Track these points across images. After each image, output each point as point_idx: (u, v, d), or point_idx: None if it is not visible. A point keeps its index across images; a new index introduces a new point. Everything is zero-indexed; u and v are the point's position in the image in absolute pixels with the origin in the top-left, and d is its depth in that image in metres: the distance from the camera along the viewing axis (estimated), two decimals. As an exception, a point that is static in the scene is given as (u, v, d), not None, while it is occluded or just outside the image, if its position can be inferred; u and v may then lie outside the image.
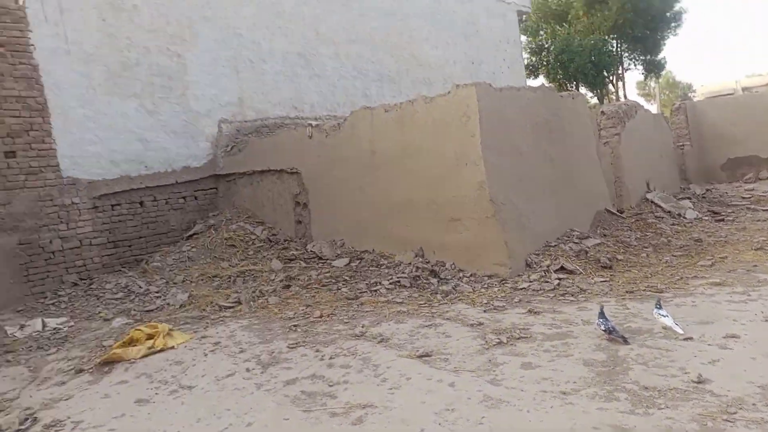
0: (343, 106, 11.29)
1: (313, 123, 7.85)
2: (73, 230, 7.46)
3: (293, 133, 8.14)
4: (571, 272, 5.69)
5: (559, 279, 5.48)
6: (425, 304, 5.19)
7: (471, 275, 5.90)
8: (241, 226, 8.39)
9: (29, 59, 7.09)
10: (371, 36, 11.97)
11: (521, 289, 5.33)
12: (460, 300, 5.20)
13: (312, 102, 10.72)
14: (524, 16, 17.92)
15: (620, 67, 23.67)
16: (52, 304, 6.89)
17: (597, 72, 21.38)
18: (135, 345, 4.70)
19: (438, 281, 5.87)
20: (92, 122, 7.67)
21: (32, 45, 7.12)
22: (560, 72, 21.21)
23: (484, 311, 4.78)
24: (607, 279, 5.49)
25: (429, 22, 13.51)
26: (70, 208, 7.43)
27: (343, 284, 6.26)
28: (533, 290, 5.27)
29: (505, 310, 4.77)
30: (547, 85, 23.11)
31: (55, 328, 5.83)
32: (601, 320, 3.90)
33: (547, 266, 5.77)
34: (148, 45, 8.28)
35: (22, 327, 5.97)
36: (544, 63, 23.10)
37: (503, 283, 5.54)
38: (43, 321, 6.07)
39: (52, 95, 7.28)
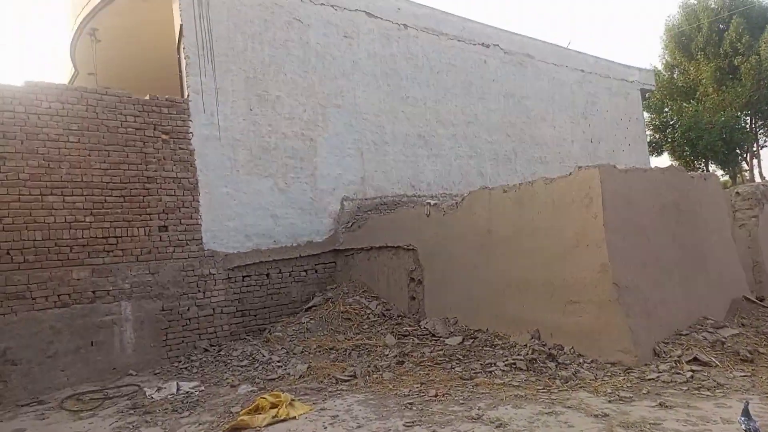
0: (458, 185, 11.58)
1: (431, 202, 8.12)
2: (208, 299, 8.15)
3: (411, 211, 8.45)
4: (705, 364, 5.25)
5: (693, 371, 5.07)
6: (543, 389, 5.01)
7: (592, 361, 5.63)
8: (357, 300, 8.68)
9: (187, 144, 8.12)
10: (488, 117, 12.32)
11: (650, 379, 4.99)
12: (581, 387, 4.97)
13: (429, 180, 11.10)
14: (648, 93, 17.53)
15: (755, 145, 22.09)
16: (185, 368, 7.45)
17: (729, 150, 20.11)
18: (260, 413, 4.96)
19: (556, 365, 5.67)
20: (233, 200, 8.50)
21: (191, 132, 8.17)
22: (687, 149, 20.16)
23: (609, 401, 4.53)
24: (749, 374, 4.99)
25: (547, 103, 13.67)
26: (207, 278, 8.15)
27: (456, 363, 6.22)
28: (663, 382, 4.92)
29: (632, 401, 4.49)
30: (672, 162, 22.09)
31: (187, 392, 6.28)
32: (743, 419, 3.57)
33: (678, 356, 5.37)
34: (286, 131, 9.15)
35: (158, 389, 6.49)
36: (669, 140, 22.13)
37: (628, 372, 5.23)
38: (177, 384, 6.56)
39: (202, 176, 8.22)
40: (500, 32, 12.90)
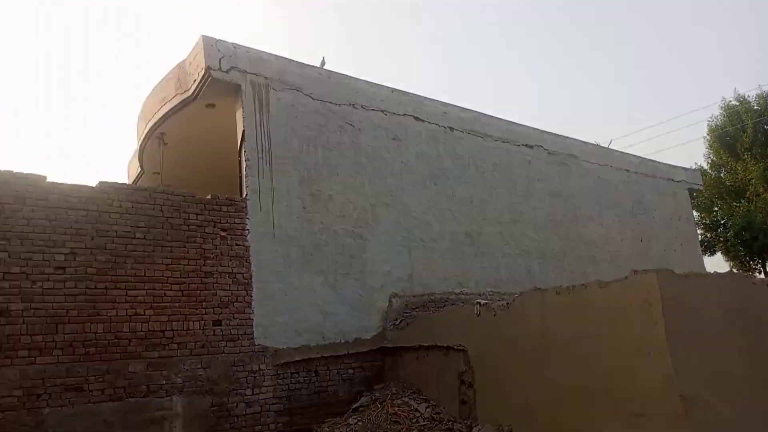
0: (506, 283, 11.49)
1: (481, 301, 8.07)
2: (256, 395, 8.10)
3: (460, 310, 8.39)
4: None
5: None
6: None
7: (661, 481, 5.27)
8: (405, 402, 8.46)
9: (243, 241, 8.44)
10: (534, 216, 12.41)
11: (727, 506, 4.62)
12: None
13: (476, 278, 11.07)
14: (695, 192, 17.41)
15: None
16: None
17: (786, 251, 19.52)
18: None
19: (622, 484, 5.32)
20: (284, 295, 8.65)
21: (247, 230, 8.51)
22: (742, 249, 19.61)
23: None
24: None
25: (594, 201, 13.73)
26: (257, 374, 8.15)
27: (513, 476, 5.91)
28: None
29: None
30: (727, 262, 21.36)
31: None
32: None
33: (758, 480, 4.99)
34: (337, 228, 9.42)
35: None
36: (721, 239, 21.63)
37: (703, 496, 4.86)
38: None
39: (255, 271, 8.45)
40: (543, 134, 13.27)
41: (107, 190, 7.51)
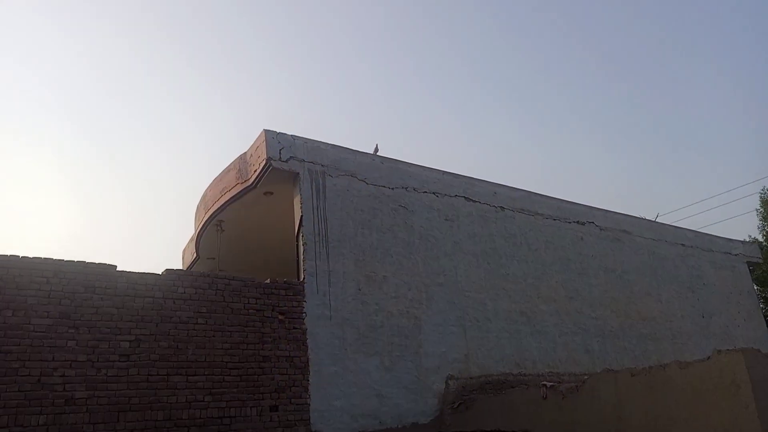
0: (564, 363, 11.06)
1: (547, 383, 7.76)
2: (314, 485, 7.80)
3: (524, 393, 8.06)
4: None
5: None
6: None
7: None
8: (470, 493, 8.00)
9: (300, 324, 8.45)
10: (590, 292, 12.10)
11: None
12: None
13: (533, 358, 10.70)
14: (753, 266, 16.74)
15: None
16: None
17: None
18: None
19: None
20: (340, 378, 8.50)
21: (304, 312, 8.54)
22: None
23: None
24: None
25: (650, 276, 13.35)
26: (314, 462, 7.89)
27: None
28: None
29: None
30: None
31: None
32: None
33: None
34: (392, 309, 9.36)
35: None
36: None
37: None
38: None
39: (312, 354, 8.38)
40: (594, 210, 13.17)
41: (172, 277, 7.73)
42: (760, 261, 16.63)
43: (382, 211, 10.00)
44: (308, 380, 8.24)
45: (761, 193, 21.59)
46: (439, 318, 9.85)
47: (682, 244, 14.55)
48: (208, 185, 11.01)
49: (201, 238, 11.81)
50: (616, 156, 54.38)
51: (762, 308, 20.99)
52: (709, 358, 5.64)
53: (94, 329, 6.96)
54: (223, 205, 10.40)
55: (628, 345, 12.18)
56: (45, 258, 6.97)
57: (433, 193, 10.77)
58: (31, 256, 6.90)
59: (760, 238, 22.01)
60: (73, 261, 7.13)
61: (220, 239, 11.29)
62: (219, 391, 7.51)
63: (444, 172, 11.12)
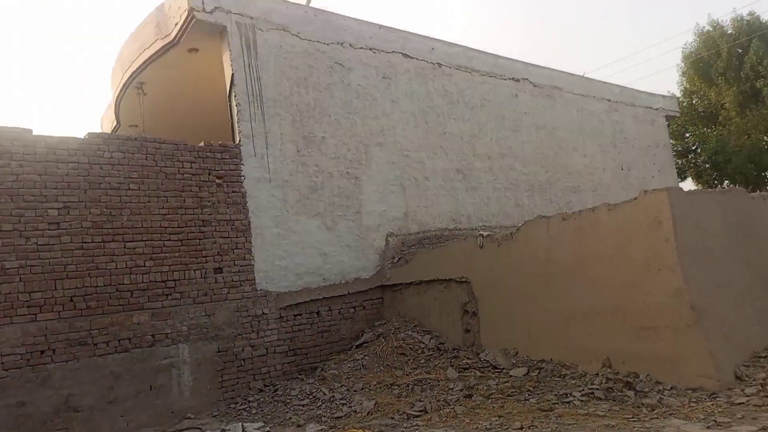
0: (497, 217, 11.60)
1: (484, 233, 8.14)
2: (261, 339, 8.13)
3: (462, 244, 8.46)
4: (793, 388, 5.12)
5: (782, 394, 4.95)
6: (633, 417, 4.91)
7: (671, 388, 5.52)
8: (409, 335, 8.62)
9: (239, 188, 8.27)
10: (522, 149, 12.43)
11: (739, 404, 4.88)
12: (671, 414, 4.86)
13: (468, 214, 11.14)
14: (671, 120, 17.62)
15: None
16: (243, 409, 7.39)
17: (758, 171, 20.06)
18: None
19: (635, 394, 5.55)
20: (283, 239, 8.58)
21: (243, 176, 8.33)
22: (714, 173, 20.09)
23: (707, 427, 4.43)
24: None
25: (577, 133, 13.79)
26: (260, 318, 8.16)
27: (528, 395, 6.12)
28: (755, 405, 4.80)
29: (731, 426, 4.38)
30: (697, 186, 21.84)
31: (254, 433, 6.22)
32: None
33: (764, 379, 5.25)
34: (332, 170, 9.29)
35: (222, 431, 6.45)
36: (693, 165, 22.14)
37: (714, 398, 5.12)
38: (242, 426, 6.49)
39: (253, 217, 8.33)
40: (529, 66, 13.13)
41: (96, 141, 7.21)
42: (678, 115, 17.47)
43: (318, 68, 9.53)
44: (251, 242, 8.26)
45: (683, 48, 22.17)
46: (378, 178, 9.90)
47: (608, 100, 14.97)
48: (124, 42, 10.01)
49: (120, 103, 10.96)
50: (542, 10, 53.61)
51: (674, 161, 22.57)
52: (635, 198, 6.01)
53: (17, 197, 6.53)
54: (142, 64, 9.56)
55: (554, 198, 12.86)
56: (-55, 122, 6.27)
57: (370, 49, 10.31)
58: (-73, 120, 6.17)
59: (678, 94, 22.94)
60: (-19, 124, 6.47)
61: (143, 103, 10.53)
62: (160, 257, 7.42)
63: (380, 26, 10.58)
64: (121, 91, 10.46)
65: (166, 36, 8.94)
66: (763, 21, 20.43)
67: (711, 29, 21.52)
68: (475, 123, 11.69)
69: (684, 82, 22.57)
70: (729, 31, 21.01)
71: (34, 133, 6.83)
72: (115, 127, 12.14)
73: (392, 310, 9.37)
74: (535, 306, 7.22)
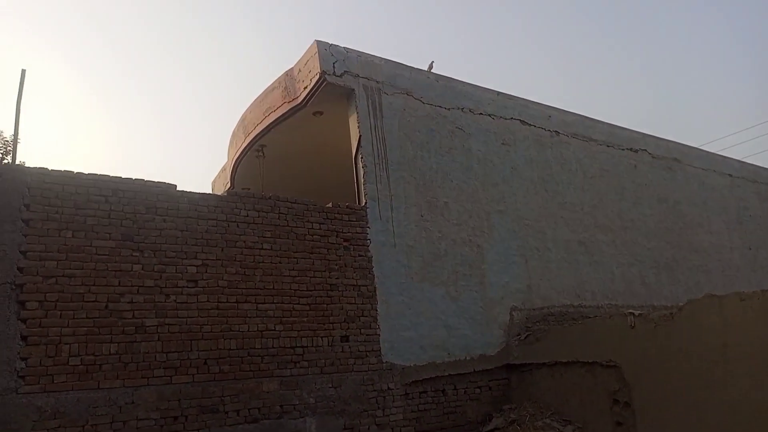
0: (623, 294, 10.72)
1: (634, 312, 7.34)
2: (387, 417, 7.49)
3: (608, 322, 7.66)
4: None
5: None
6: None
7: None
8: (547, 424, 7.73)
9: (365, 251, 7.92)
10: (645, 223, 11.63)
11: None
12: None
13: (593, 289, 10.32)
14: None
15: None
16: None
17: None
18: None
19: None
20: (408, 308, 8.07)
21: (368, 239, 8.00)
22: None
23: None
24: None
25: (700, 208, 12.88)
26: (386, 394, 7.55)
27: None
28: None
29: None
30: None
31: None
32: None
33: None
34: (455, 237, 8.84)
35: None
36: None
37: None
38: None
39: (379, 283, 7.91)
40: (647, 137, 12.53)
41: (234, 199, 7.11)
42: (802, 193, 16.15)
43: (439, 133, 9.32)
44: (377, 310, 7.79)
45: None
46: (500, 247, 9.36)
47: (729, 174, 14.02)
48: (247, 107, 10.21)
49: (238, 166, 11.11)
50: (653, 77, 52.94)
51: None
52: None
53: (160, 252, 6.39)
54: (267, 127, 9.66)
55: (682, 277, 11.82)
56: (101, 174, 6.30)
57: (489, 115, 10.06)
58: (86, 172, 6.22)
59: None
60: (132, 179, 6.48)
61: (262, 165, 10.59)
62: (289, 320, 7.06)
63: (498, 93, 10.37)
64: (241, 154, 10.60)
65: (293, 99, 9.02)
66: None
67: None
68: (595, 193, 11.07)
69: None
70: None
71: (178, 188, 6.79)
72: (229, 189, 12.27)
73: (521, 393, 8.53)
74: (708, 399, 6.27)
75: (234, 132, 10.98)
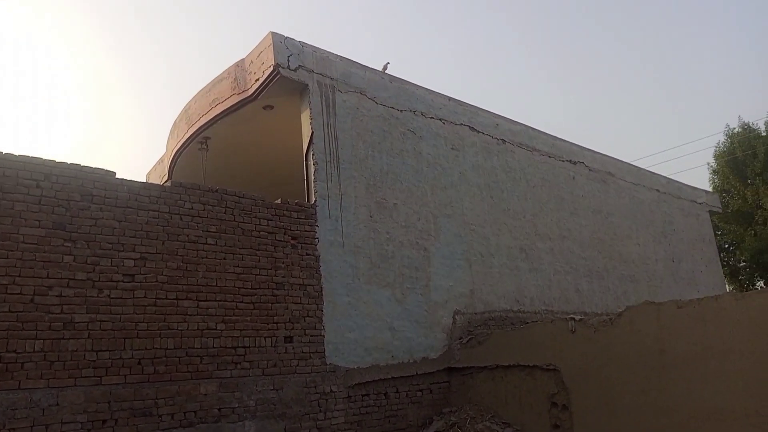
0: (558, 301, 11.02)
1: (575, 317, 7.54)
2: (329, 420, 7.32)
3: (549, 327, 7.82)
4: None
5: None
6: None
7: None
8: (487, 427, 7.79)
9: (313, 250, 7.73)
10: (580, 233, 12.04)
11: None
12: None
13: (532, 295, 10.55)
14: (712, 215, 17.40)
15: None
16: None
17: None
18: None
19: None
20: (354, 310, 7.94)
21: (317, 238, 7.81)
22: (753, 273, 19.64)
23: None
24: None
25: (630, 220, 13.48)
26: (328, 397, 7.38)
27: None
28: None
29: None
30: (729, 284, 21.22)
31: None
32: None
33: None
34: (402, 239, 8.80)
35: None
36: (727, 263, 21.77)
37: None
38: None
39: (326, 283, 7.73)
40: (584, 150, 12.99)
41: (178, 190, 6.74)
42: (720, 211, 17.28)
43: (391, 134, 9.27)
44: (322, 310, 7.61)
45: (715, 147, 22.43)
46: (446, 251, 9.40)
47: (657, 190, 14.78)
48: (192, 97, 9.77)
49: (178, 158, 10.61)
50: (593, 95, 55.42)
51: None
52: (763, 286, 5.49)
53: (94, 244, 5.96)
54: (213, 119, 9.26)
55: (611, 286, 12.32)
56: (32, 157, 5.81)
57: (440, 119, 10.11)
58: (15, 153, 5.71)
59: (710, 190, 22.92)
60: (66, 163, 6.01)
61: (205, 158, 10.16)
62: (232, 319, 6.76)
63: (449, 98, 10.44)
64: (183, 145, 10.12)
65: (243, 91, 8.71)
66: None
67: (740, 130, 21.87)
68: (537, 202, 11.36)
69: (715, 181, 22.66)
70: (763, 134, 21.33)
71: (117, 176, 6.36)
72: (165, 183, 11.71)
73: (461, 396, 8.57)
74: (644, 403, 6.51)
75: (176, 122, 10.49)
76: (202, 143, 9.95)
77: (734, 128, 22.17)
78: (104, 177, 6.22)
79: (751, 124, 21.74)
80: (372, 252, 8.40)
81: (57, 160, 5.94)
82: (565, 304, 11.11)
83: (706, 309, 6.17)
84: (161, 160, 11.97)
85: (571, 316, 7.73)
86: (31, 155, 5.79)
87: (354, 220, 8.33)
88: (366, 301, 8.12)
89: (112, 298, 5.95)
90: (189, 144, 10.08)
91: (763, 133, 21.34)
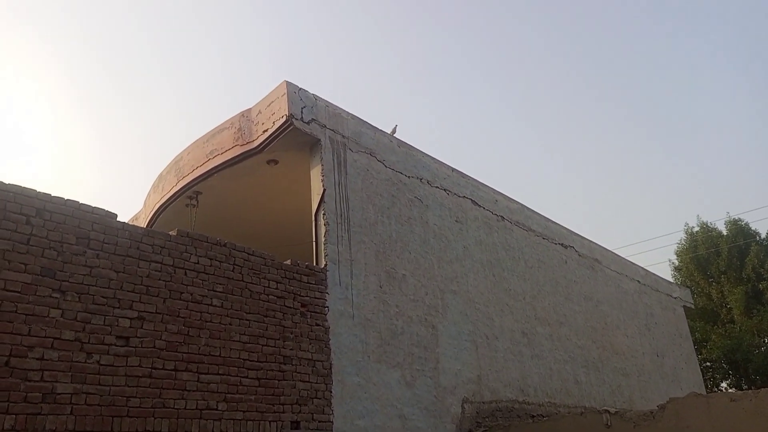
0: (559, 393, 10.37)
1: (610, 410, 6.86)
2: None
3: (580, 420, 7.09)
4: None
5: None
6: None
7: None
8: None
9: (323, 320, 6.86)
10: (575, 319, 11.62)
11: None
12: None
13: (535, 385, 9.85)
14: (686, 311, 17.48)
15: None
16: None
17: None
18: None
19: None
20: (363, 392, 7.00)
21: (327, 307, 6.97)
22: (725, 372, 19.64)
23: None
24: None
25: (617, 309, 13.25)
26: (334, 494, 6.26)
27: None
28: None
29: None
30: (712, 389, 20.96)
31: None
32: None
33: None
34: (411, 314, 8.05)
35: None
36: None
37: None
38: None
39: (335, 359, 6.82)
40: (573, 234, 12.86)
41: (185, 241, 5.85)
42: (693, 307, 17.38)
43: (400, 200, 8.74)
44: (331, 391, 6.64)
45: (677, 244, 23.08)
46: (453, 329, 8.67)
47: (638, 281, 14.73)
48: (186, 147, 9.00)
49: (161, 213, 9.62)
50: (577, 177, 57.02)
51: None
52: None
53: (87, 297, 4.94)
54: (208, 171, 8.48)
55: (607, 378, 11.79)
56: (24, 187, 4.86)
57: (444, 189, 9.71)
58: (6, 182, 4.77)
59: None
60: (63, 199, 5.08)
61: (193, 215, 9.23)
62: (235, 398, 5.71)
63: (453, 169, 10.12)
64: (168, 200, 9.20)
65: (248, 143, 8.05)
66: (754, 229, 21.64)
67: (699, 230, 22.68)
68: (535, 284, 10.92)
69: (678, 277, 23.11)
70: (725, 233, 22.15)
71: (119, 219, 5.45)
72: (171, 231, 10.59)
73: (473, 498, 7.56)
74: None
75: (161, 175, 9.59)
76: (192, 198, 9.07)
77: (693, 227, 23.02)
78: (104, 219, 5.29)
79: (709, 224, 22.63)
80: (382, 326, 7.58)
81: (52, 194, 5.00)
82: (566, 397, 10.43)
83: (763, 402, 5.67)
84: (135, 218, 10.90)
85: (606, 408, 7.06)
86: (22, 185, 4.85)
87: (364, 289, 7.56)
88: (375, 383, 7.20)
89: (102, 365, 4.86)
90: (176, 199, 9.17)
91: (725, 233, 22.18)
